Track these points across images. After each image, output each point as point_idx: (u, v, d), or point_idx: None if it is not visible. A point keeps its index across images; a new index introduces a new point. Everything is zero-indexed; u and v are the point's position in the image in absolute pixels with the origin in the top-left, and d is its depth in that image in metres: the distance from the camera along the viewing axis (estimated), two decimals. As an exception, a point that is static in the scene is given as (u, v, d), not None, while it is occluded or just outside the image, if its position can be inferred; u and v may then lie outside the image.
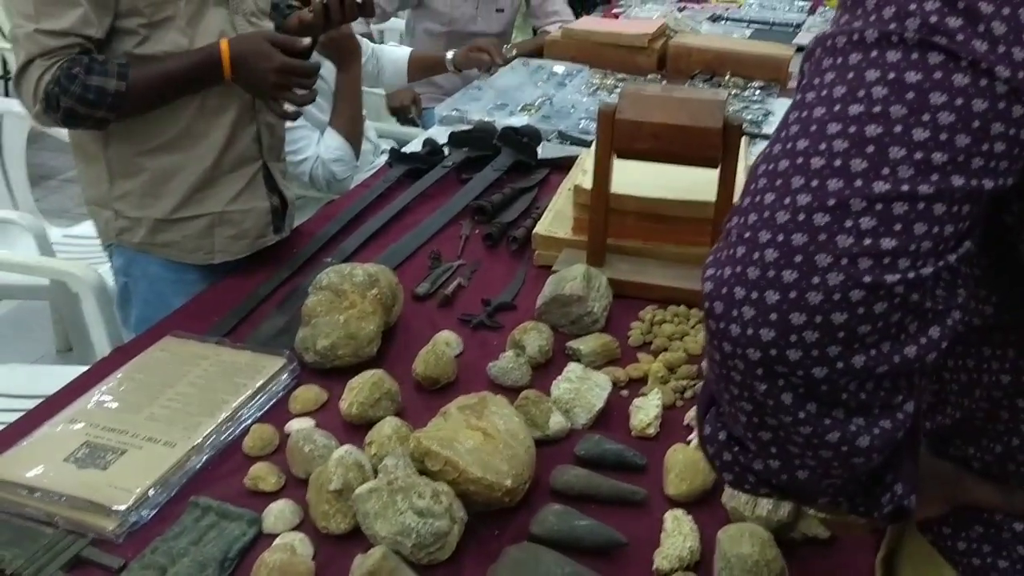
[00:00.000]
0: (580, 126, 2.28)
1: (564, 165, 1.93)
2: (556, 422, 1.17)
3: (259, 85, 1.49)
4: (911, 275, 0.53)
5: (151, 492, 1.05)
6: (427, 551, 0.95)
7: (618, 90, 2.10)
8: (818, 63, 0.58)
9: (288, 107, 1.54)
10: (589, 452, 1.13)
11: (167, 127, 1.50)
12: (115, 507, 1.02)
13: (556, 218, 1.65)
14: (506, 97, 2.50)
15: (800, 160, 0.55)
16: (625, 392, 1.27)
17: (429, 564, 0.96)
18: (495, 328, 1.43)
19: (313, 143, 2.15)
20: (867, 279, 0.52)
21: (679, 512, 1.02)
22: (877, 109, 0.53)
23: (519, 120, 2.26)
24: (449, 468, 0.99)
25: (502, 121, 2.22)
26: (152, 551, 0.97)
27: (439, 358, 1.28)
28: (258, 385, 1.24)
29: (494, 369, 1.29)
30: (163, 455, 1.10)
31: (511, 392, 1.22)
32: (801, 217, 0.54)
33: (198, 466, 1.12)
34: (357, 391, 1.19)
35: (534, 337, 1.33)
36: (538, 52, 2.90)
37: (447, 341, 1.36)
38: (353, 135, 2.18)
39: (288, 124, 1.77)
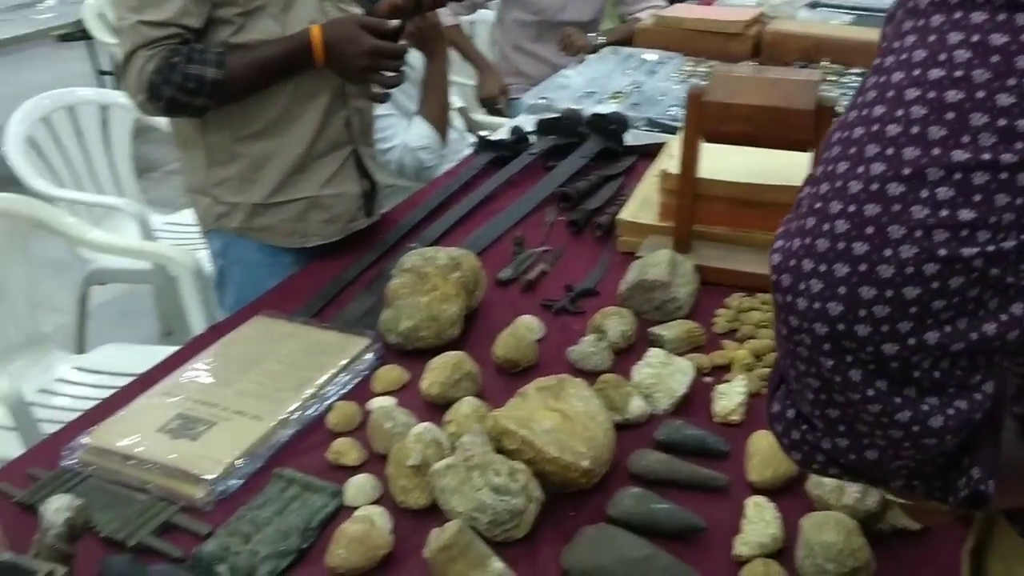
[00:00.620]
0: (669, 113, 2.25)
1: (651, 152, 1.91)
2: (636, 406, 1.15)
3: (350, 69, 1.52)
4: (991, 248, 0.50)
5: (239, 463, 1.09)
6: (502, 528, 0.96)
7: (709, 76, 2.06)
8: (899, 26, 0.55)
9: (377, 89, 1.57)
10: (670, 437, 1.11)
11: (262, 114, 1.54)
12: (205, 476, 1.06)
13: (642, 204, 1.63)
14: (595, 85, 2.48)
15: (876, 127, 0.52)
16: (709, 379, 1.24)
17: (504, 541, 0.96)
18: (577, 313, 1.42)
19: (401, 131, 2.18)
20: (942, 252, 0.49)
21: (761, 499, 0.99)
22: (959, 73, 0.50)
23: (607, 108, 2.24)
24: (526, 447, 0.99)
25: (590, 109, 2.20)
26: (238, 519, 1.00)
27: (519, 341, 1.28)
28: (343, 364, 1.27)
29: (574, 353, 1.28)
30: (251, 428, 1.14)
31: (591, 377, 1.20)
32: (874, 187, 0.51)
33: (284, 440, 1.15)
34: (438, 371, 1.20)
35: (616, 322, 1.31)
36: (628, 40, 2.87)
37: (528, 325, 1.35)
38: (440, 123, 2.21)
39: (376, 112, 1.80)
